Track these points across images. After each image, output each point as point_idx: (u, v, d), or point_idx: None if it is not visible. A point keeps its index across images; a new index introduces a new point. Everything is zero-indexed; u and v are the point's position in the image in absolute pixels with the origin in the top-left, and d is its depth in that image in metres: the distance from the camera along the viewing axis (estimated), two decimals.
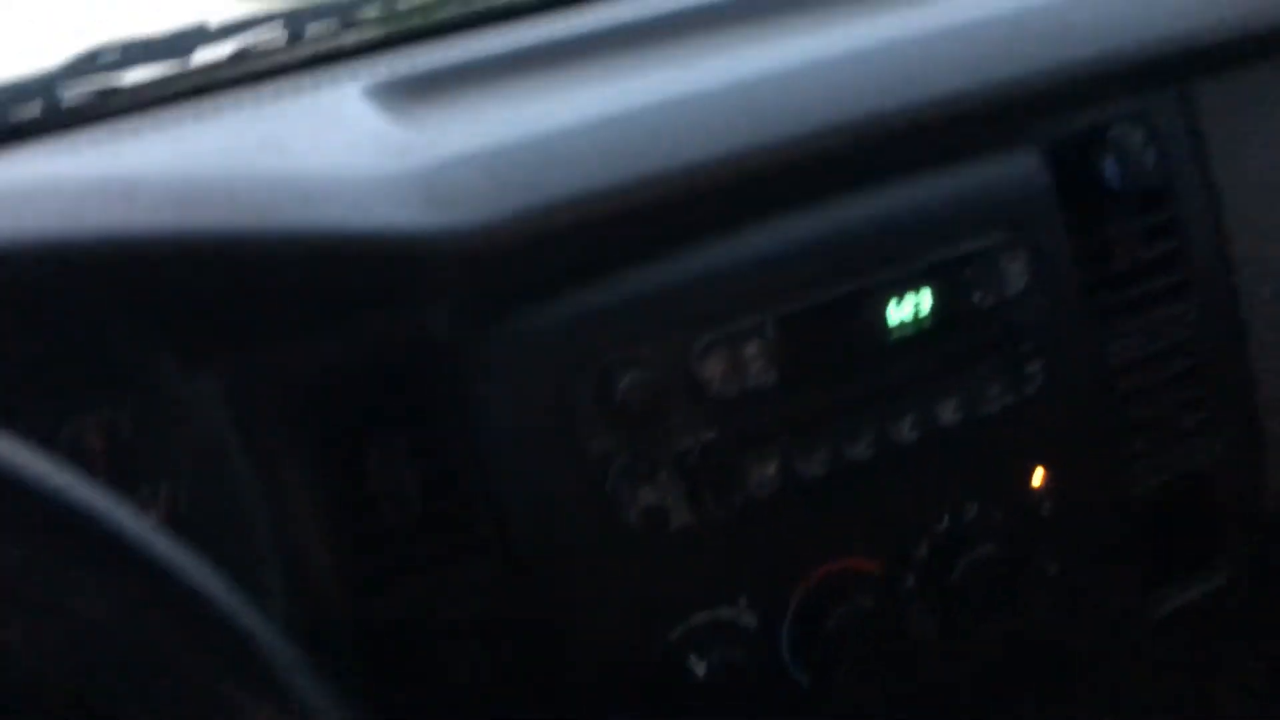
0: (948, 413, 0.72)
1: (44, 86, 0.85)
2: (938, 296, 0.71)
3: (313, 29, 0.92)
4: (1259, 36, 0.81)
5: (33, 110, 0.84)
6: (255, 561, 0.65)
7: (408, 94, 0.77)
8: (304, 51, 0.92)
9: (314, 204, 0.60)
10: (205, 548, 0.64)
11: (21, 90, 0.85)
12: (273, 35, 0.93)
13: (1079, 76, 0.76)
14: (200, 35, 0.92)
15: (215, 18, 0.96)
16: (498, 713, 0.68)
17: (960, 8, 0.81)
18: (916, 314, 0.71)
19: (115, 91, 0.86)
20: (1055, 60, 0.75)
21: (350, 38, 0.95)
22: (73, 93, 0.86)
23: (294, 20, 0.93)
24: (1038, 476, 0.76)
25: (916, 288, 0.71)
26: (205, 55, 0.92)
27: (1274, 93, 0.83)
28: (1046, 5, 0.79)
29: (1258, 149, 0.83)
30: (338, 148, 0.68)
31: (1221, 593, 0.86)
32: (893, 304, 0.71)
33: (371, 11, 0.95)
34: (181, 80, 0.88)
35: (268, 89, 0.88)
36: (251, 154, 0.67)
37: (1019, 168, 0.74)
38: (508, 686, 0.68)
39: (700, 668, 0.68)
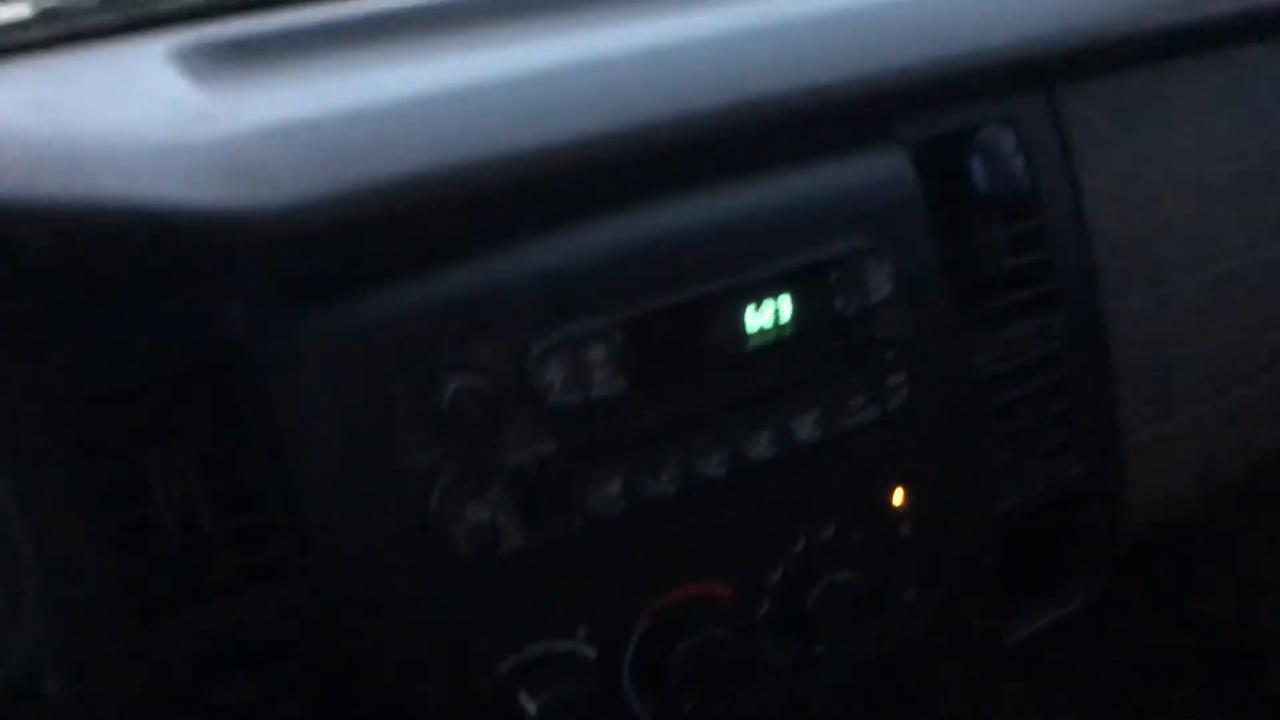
0: (806, 428, 0.67)
1: None
2: (798, 303, 0.66)
3: None
4: (1127, 42, 0.79)
5: None
6: (13, 588, 0.56)
7: (217, 60, 0.68)
8: (114, 16, 0.83)
9: (90, 171, 0.52)
10: None
11: None
12: None
13: (947, 74, 0.72)
14: None
15: None
16: None
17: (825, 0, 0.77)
18: (776, 321, 0.66)
19: None
20: (923, 56, 0.71)
21: (166, 4, 0.86)
22: None
23: None
24: (898, 495, 0.72)
25: (775, 293, 0.66)
26: (8, 13, 0.82)
27: (1141, 101, 0.81)
28: (914, 0, 0.75)
29: (1124, 159, 0.81)
30: (127, 112, 0.59)
31: (1073, 617, 0.83)
32: (750, 309, 0.65)
33: None
34: None
35: (68, 52, 0.78)
36: (24, 113, 0.58)
37: (884, 169, 0.70)
38: None
39: (532, 705, 0.62)
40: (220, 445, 0.58)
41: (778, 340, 0.66)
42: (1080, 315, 0.79)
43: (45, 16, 0.82)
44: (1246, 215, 0.85)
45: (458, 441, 0.59)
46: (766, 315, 0.66)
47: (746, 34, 0.68)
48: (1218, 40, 0.83)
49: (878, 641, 0.72)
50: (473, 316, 0.60)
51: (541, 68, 0.64)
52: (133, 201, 0.52)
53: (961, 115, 0.74)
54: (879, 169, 0.70)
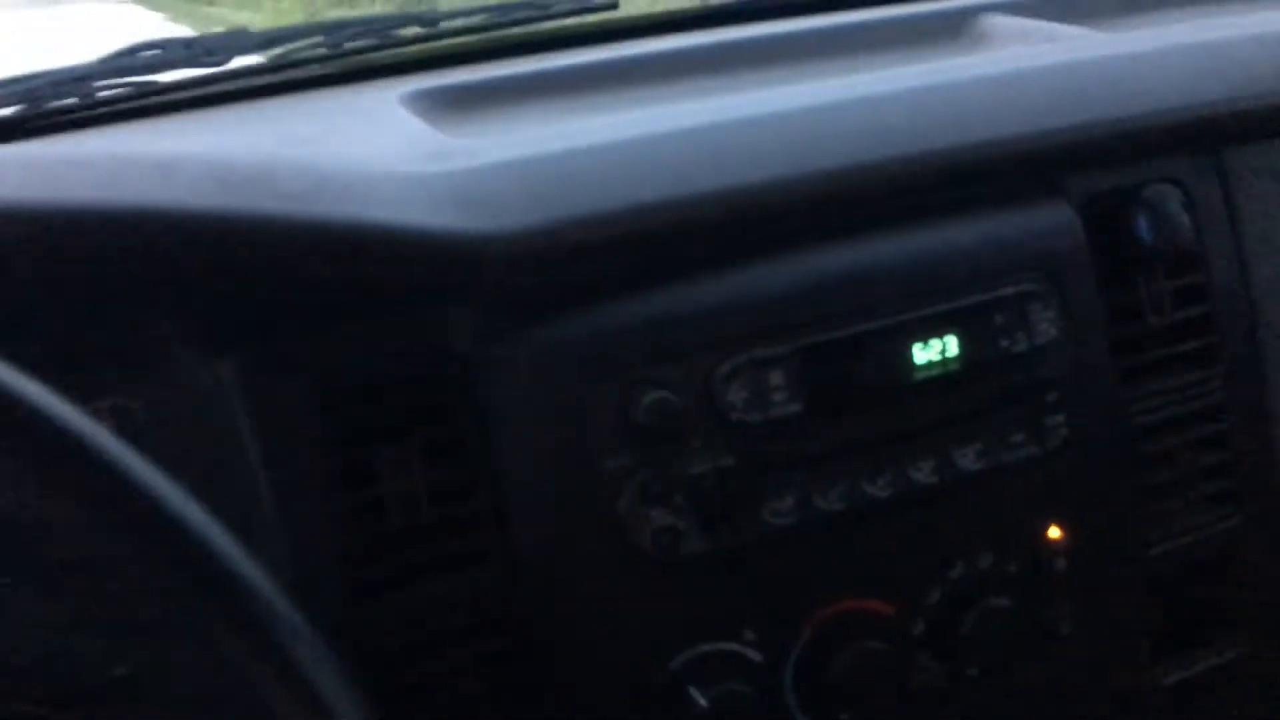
0: (968, 459, 0.71)
1: (82, 78, 0.86)
2: (965, 340, 0.71)
3: (352, 43, 0.93)
4: None
5: (69, 101, 0.85)
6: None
7: (446, 104, 0.77)
8: (342, 64, 0.93)
9: (348, 197, 0.60)
10: None
11: (60, 81, 0.85)
12: (312, 46, 0.94)
13: (1118, 135, 0.76)
14: (241, 40, 0.93)
15: (256, 26, 0.97)
16: None
17: (1003, 59, 0.82)
18: (943, 356, 0.70)
19: (152, 87, 0.87)
20: (1094, 116, 0.75)
21: (388, 54, 0.96)
22: (110, 87, 0.86)
23: (334, 32, 0.93)
24: (1054, 532, 0.75)
25: (944, 330, 0.70)
26: (244, 60, 0.93)
27: None
28: (1089, 61, 0.79)
29: None
30: (375, 148, 0.68)
31: (1231, 667, 0.84)
32: (919, 345, 0.70)
33: (411, 30, 0.95)
34: (219, 81, 0.89)
35: (304, 96, 0.88)
36: (289, 146, 0.67)
37: (1053, 219, 0.74)
38: (500, 705, 0.67)
39: (702, 699, 0.66)
40: (440, 443, 0.65)
41: (944, 375, 0.70)
42: (1241, 369, 0.81)
43: (278, 63, 0.93)
44: None
45: (647, 451, 0.65)
46: (934, 351, 0.70)
47: (932, 89, 0.73)
48: None
49: (1029, 669, 0.75)
50: (667, 338, 0.66)
51: (739, 116, 0.70)
52: (387, 224, 0.60)
53: (1131, 173, 0.78)
54: (1048, 219, 0.74)
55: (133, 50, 0.90)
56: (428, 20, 0.96)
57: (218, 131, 0.78)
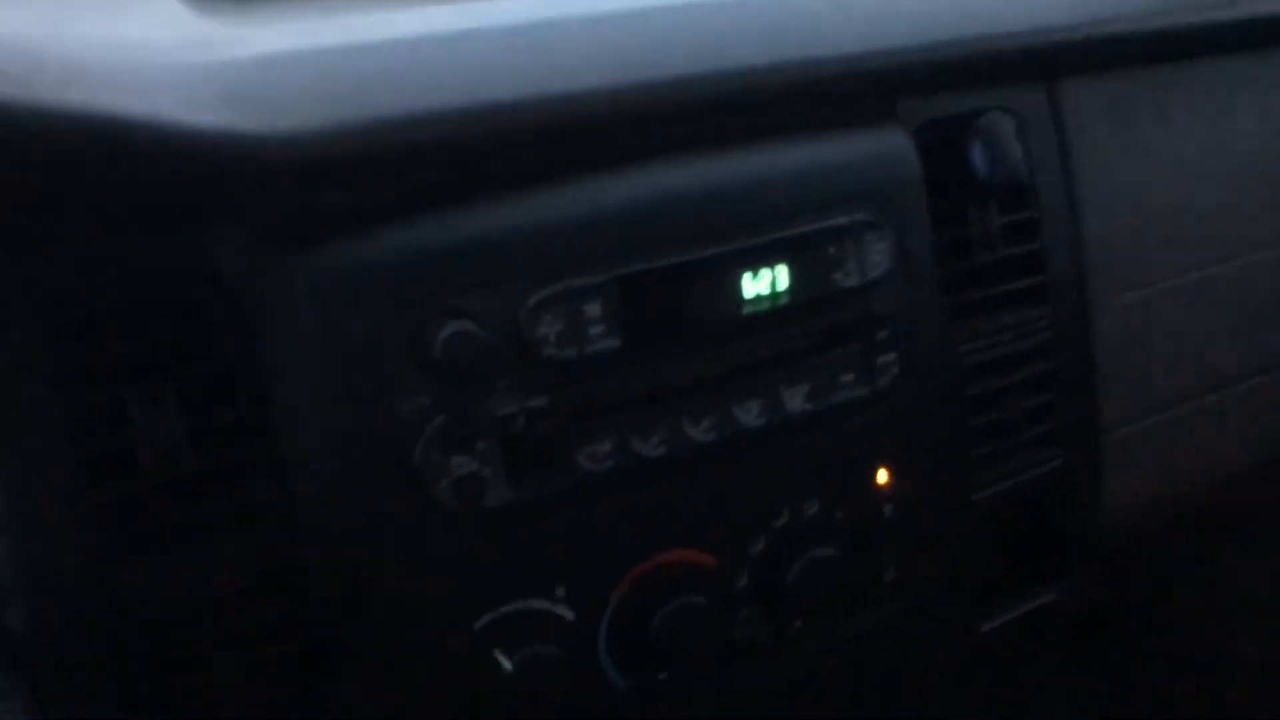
0: (797, 400, 0.67)
1: None
2: (796, 272, 0.66)
3: None
4: (1129, 41, 0.79)
5: None
6: None
7: None
8: None
9: (81, 84, 0.50)
10: None
11: None
12: None
13: (953, 56, 0.72)
14: None
15: None
16: (271, 711, 0.59)
17: None
18: (773, 289, 0.65)
19: None
20: (931, 36, 0.71)
21: None
22: None
23: None
24: (881, 476, 0.71)
25: (773, 260, 0.65)
26: None
27: (1139, 101, 0.82)
28: None
29: (1119, 157, 0.81)
30: (126, 32, 0.58)
31: (1048, 609, 0.83)
32: (748, 276, 0.65)
33: None
34: None
35: None
36: (22, 25, 0.56)
37: (889, 145, 0.70)
38: (283, 680, 0.59)
39: (507, 663, 0.60)
40: (203, 382, 0.56)
41: (773, 309, 0.65)
42: (1068, 310, 0.79)
43: None
44: (1237, 220, 0.86)
45: (447, 390, 0.58)
46: (764, 283, 0.65)
47: (761, 1, 0.67)
48: (1218, 46, 0.84)
49: (855, 621, 0.72)
50: (469, 264, 0.59)
51: (551, 18, 0.63)
52: (129, 116, 0.50)
53: (964, 100, 0.74)
54: (883, 145, 0.69)
55: None
56: None
57: None
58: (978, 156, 0.74)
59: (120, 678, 0.56)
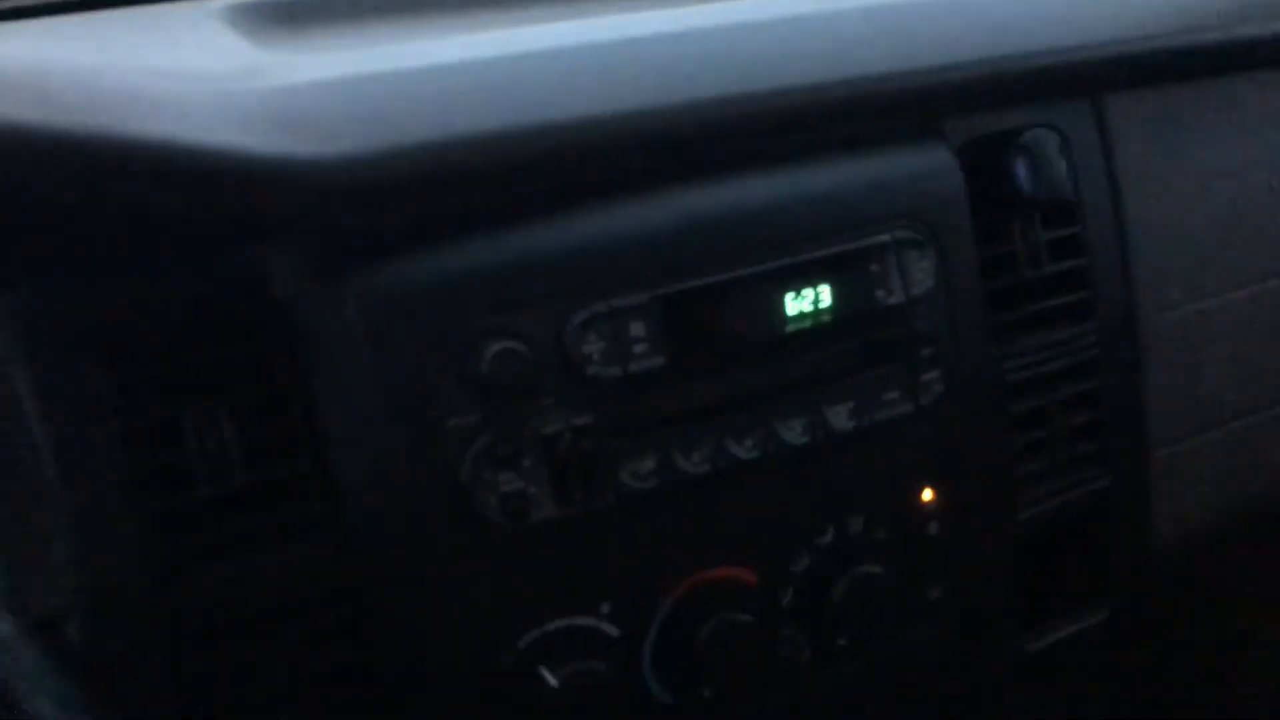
0: (841, 417, 0.67)
1: None
2: (839, 290, 0.66)
3: None
4: (1175, 57, 0.79)
5: None
6: (41, 533, 0.56)
7: (272, 19, 0.69)
8: None
9: (141, 111, 0.51)
10: None
11: None
12: None
13: (997, 74, 0.72)
14: None
15: None
16: None
17: None
18: (816, 307, 0.66)
19: None
20: (975, 55, 0.71)
21: None
22: None
23: None
24: (926, 494, 0.71)
25: (817, 279, 0.65)
26: None
27: (1186, 116, 0.81)
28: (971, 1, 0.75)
29: (1166, 172, 0.80)
30: (182, 62, 0.59)
31: (1098, 629, 0.83)
32: (790, 294, 0.65)
33: None
34: None
35: (115, 11, 0.78)
36: (73, 57, 0.58)
37: (932, 163, 0.70)
38: (333, 693, 0.60)
39: (553, 679, 0.61)
40: (256, 399, 0.57)
41: (816, 327, 0.66)
42: (1114, 326, 0.78)
43: None
44: None
45: (494, 407, 0.59)
46: (806, 301, 0.65)
47: (804, 21, 0.68)
48: (1263, 60, 0.83)
49: (899, 639, 0.72)
50: (516, 283, 0.59)
51: (598, 40, 0.64)
52: (186, 143, 0.51)
53: (1008, 117, 0.74)
54: (926, 163, 0.69)
55: None
56: None
57: (4, 43, 0.68)
58: (1022, 173, 0.74)
59: (175, 689, 0.57)
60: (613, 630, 0.63)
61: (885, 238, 0.67)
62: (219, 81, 0.56)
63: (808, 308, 0.65)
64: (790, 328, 0.65)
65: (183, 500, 0.56)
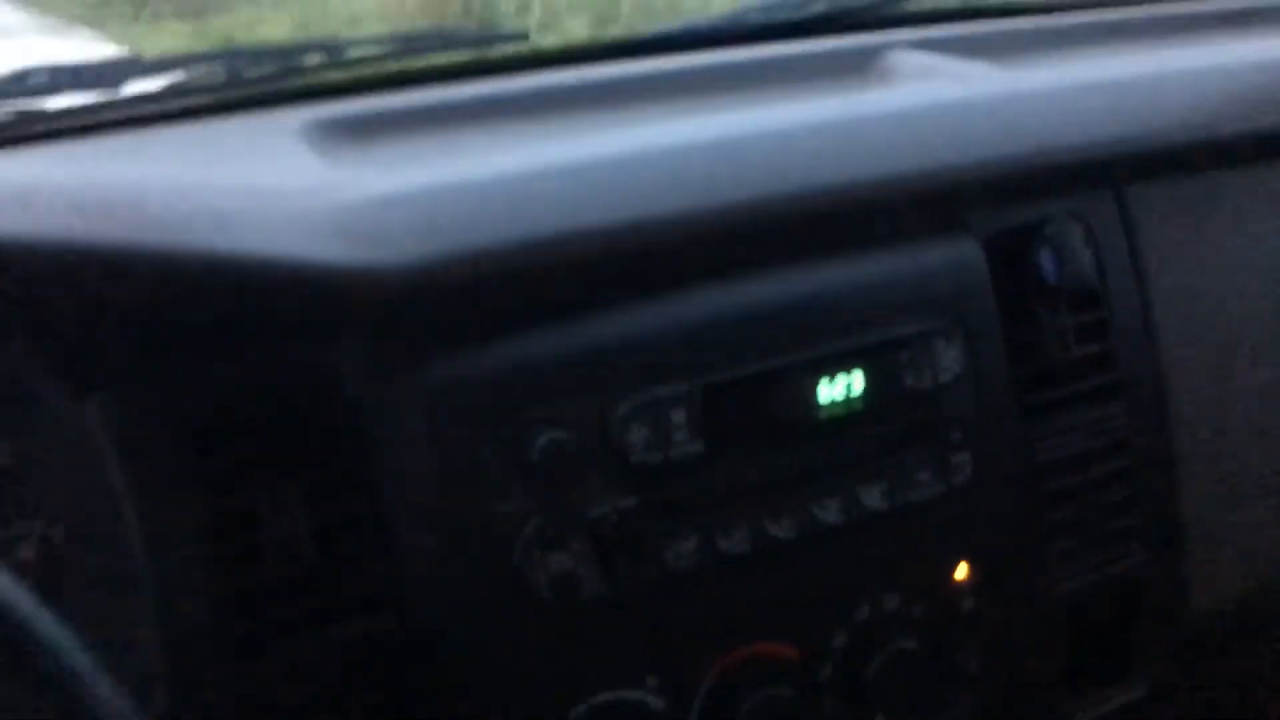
0: (874, 497, 0.70)
1: None
2: (870, 378, 0.70)
3: (251, 70, 0.90)
4: (1195, 147, 0.82)
5: None
6: (130, 614, 0.61)
7: (344, 134, 0.75)
8: (241, 92, 0.90)
9: (226, 229, 0.57)
10: (75, 595, 0.60)
11: None
12: (210, 73, 0.91)
13: (1020, 169, 0.76)
14: (134, 67, 0.90)
15: (151, 52, 0.93)
16: None
17: (907, 95, 0.82)
18: (848, 394, 0.69)
19: (37, 114, 0.83)
20: (997, 152, 0.75)
21: (290, 82, 0.93)
22: None
23: (232, 59, 0.90)
24: (961, 571, 0.74)
25: (849, 367, 0.69)
26: (138, 87, 0.89)
27: (1208, 202, 0.84)
28: (991, 98, 0.79)
29: (1191, 256, 0.83)
30: (261, 180, 0.66)
31: (1141, 705, 0.84)
32: (824, 382, 0.69)
33: (313, 58, 0.93)
34: (110, 109, 0.86)
35: (197, 125, 0.85)
36: (165, 176, 0.64)
37: (958, 255, 0.74)
38: None
39: None
40: (326, 484, 0.62)
41: (849, 413, 0.69)
42: (1143, 406, 0.81)
43: (173, 91, 0.90)
44: None
45: (544, 492, 0.63)
46: (839, 388, 0.69)
47: (836, 124, 0.73)
48: None
49: (937, 715, 0.74)
50: (563, 376, 0.64)
51: (637, 150, 0.69)
52: (268, 256, 0.57)
53: (1032, 209, 0.78)
54: (952, 256, 0.73)
55: (18, 76, 0.86)
56: (332, 48, 0.94)
57: (97, 160, 0.75)
58: (1046, 263, 0.77)
59: None
60: (659, 703, 0.67)
61: (915, 328, 0.71)
62: (294, 198, 0.62)
63: (841, 394, 0.69)
64: (824, 414, 0.69)
65: (257, 579, 0.61)
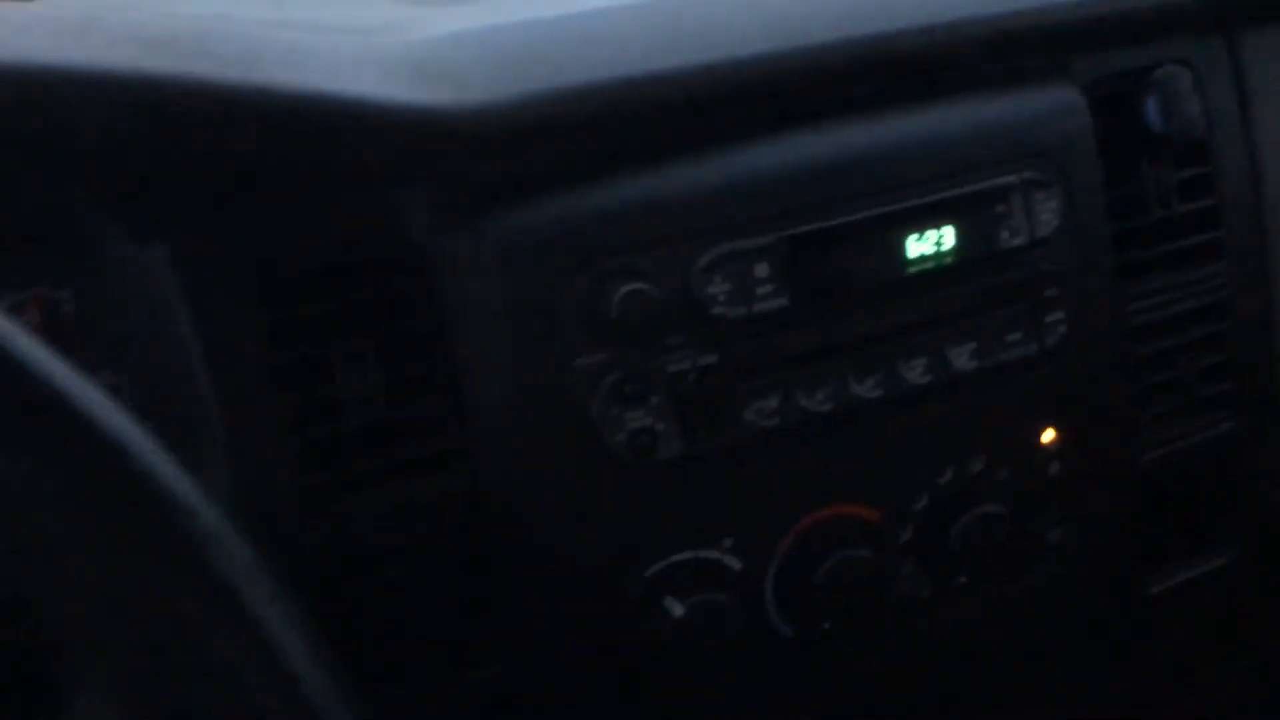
0: (963, 358, 0.67)
1: None
2: (962, 232, 0.66)
3: None
4: None
5: None
6: (199, 465, 0.59)
7: None
8: None
9: (292, 64, 0.54)
10: None
11: None
12: None
13: (1126, 11, 0.71)
14: None
15: None
16: (452, 647, 0.63)
17: None
18: (939, 249, 0.66)
19: None
20: None
21: None
22: None
23: None
24: (1047, 435, 0.71)
25: (941, 221, 0.66)
26: None
27: None
28: None
29: None
30: (329, 16, 0.62)
31: (1217, 576, 0.82)
32: (914, 236, 0.65)
33: None
34: None
35: None
36: (229, 9, 0.60)
37: (1059, 103, 0.69)
38: (464, 619, 0.63)
39: (677, 609, 0.63)
40: (399, 337, 0.60)
41: (939, 268, 0.66)
42: (1246, 267, 0.77)
43: None
44: None
45: (622, 347, 0.61)
46: (930, 243, 0.66)
47: None
48: None
49: (1019, 580, 0.72)
50: (643, 226, 0.61)
51: None
52: (334, 94, 0.54)
53: (1138, 55, 0.73)
54: (1052, 103, 0.69)
55: None
56: None
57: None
58: (1153, 111, 0.72)
59: (320, 612, 0.61)
60: (736, 564, 0.65)
61: (1011, 179, 0.67)
62: (365, 35, 0.59)
63: (930, 249, 0.66)
64: (913, 269, 0.65)
65: (329, 432, 0.59)
